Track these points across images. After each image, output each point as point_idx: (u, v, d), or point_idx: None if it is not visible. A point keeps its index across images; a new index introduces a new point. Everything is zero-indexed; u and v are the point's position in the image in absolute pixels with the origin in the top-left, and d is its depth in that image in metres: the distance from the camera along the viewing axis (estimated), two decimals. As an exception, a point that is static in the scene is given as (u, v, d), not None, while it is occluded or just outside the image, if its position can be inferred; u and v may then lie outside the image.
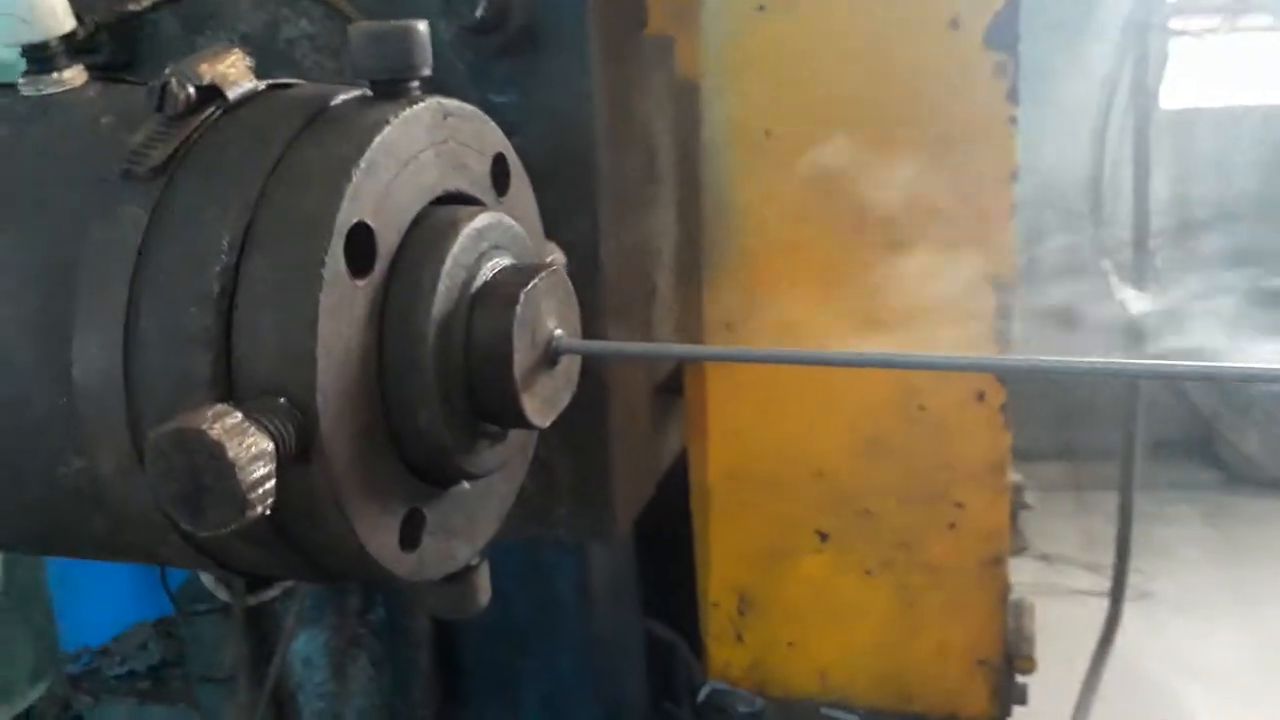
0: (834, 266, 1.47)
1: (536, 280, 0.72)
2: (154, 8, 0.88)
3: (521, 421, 0.72)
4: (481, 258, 0.73)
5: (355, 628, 1.46)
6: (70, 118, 0.74)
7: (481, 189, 0.80)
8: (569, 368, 0.78)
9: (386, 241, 0.68)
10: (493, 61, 1.07)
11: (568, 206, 1.10)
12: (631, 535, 1.61)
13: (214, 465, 0.55)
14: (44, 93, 0.76)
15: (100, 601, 1.93)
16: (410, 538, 0.73)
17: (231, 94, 0.70)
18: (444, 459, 0.72)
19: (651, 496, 1.48)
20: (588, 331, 1.15)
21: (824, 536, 1.60)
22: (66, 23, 0.76)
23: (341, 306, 0.64)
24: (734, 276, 1.50)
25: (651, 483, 1.34)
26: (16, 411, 0.68)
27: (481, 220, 0.74)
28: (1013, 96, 1.34)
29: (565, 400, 0.77)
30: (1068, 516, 4.45)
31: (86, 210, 0.67)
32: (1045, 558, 4.36)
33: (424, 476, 0.74)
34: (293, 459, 0.62)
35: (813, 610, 1.65)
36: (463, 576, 0.82)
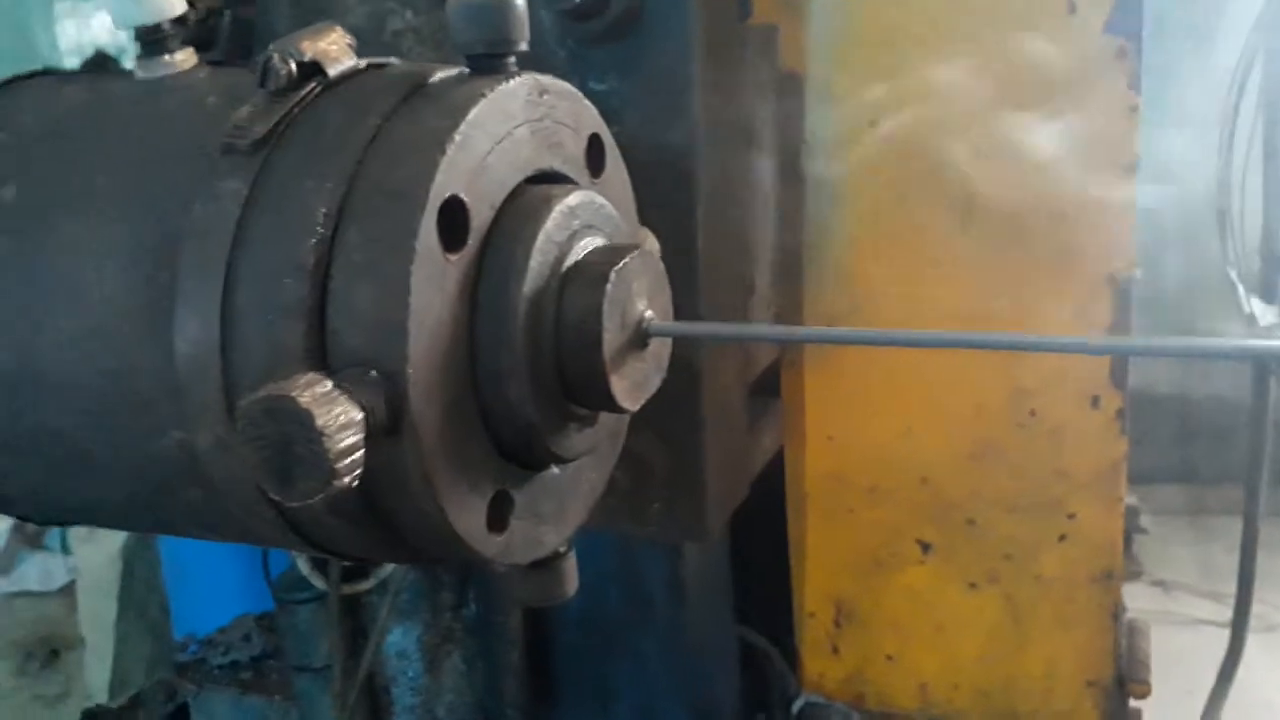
0: (941, 263, 1.41)
1: (628, 259, 0.70)
2: (264, -3, 0.90)
3: (610, 403, 0.71)
4: (573, 236, 0.72)
5: (449, 623, 1.46)
6: (179, 98, 0.76)
7: (576, 169, 0.79)
8: (659, 351, 0.76)
9: (480, 216, 0.67)
10: (593, 48, 1.07)
11: (665, 197, 1.08)
12: (726, 538, 1.58)
13: (303, 433, 0.55)
14: (156, 75, 0.78)
15: (210, 594, 1.99)
16: (498, 519, 0.72)
17: (332, 71, 0.71)
18: (533, 439, 0.71)
19: (746, 499, 1.45)
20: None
21: (926, 546, 1.54)
22: (177, 5, 0.78)
23: (433, 280, 0.63)
24: (836, 274, 1.47)
25: (745, 483, 1.31)
26: (122, 384, 0.70)
27: (575, 198, 0.72)
28: (1135, 84, 1.27)
29: (655, 384, 0.76)
30: (1186, 542, 4.23)
31: (191, 186, 0.68)
32: (1161, 584, 4.15)
33: (513, 458, 0.73)
34: (383, 431, 0.61)
35: (913, 622, 1.59)
36: (550, 564, 0.81)
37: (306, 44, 0.70)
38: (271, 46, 0.70)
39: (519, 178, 0.71)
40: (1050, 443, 1.43)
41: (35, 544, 4.11)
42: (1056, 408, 1.42)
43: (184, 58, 0.79)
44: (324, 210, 0.64)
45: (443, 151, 0.64)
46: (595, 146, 0.81)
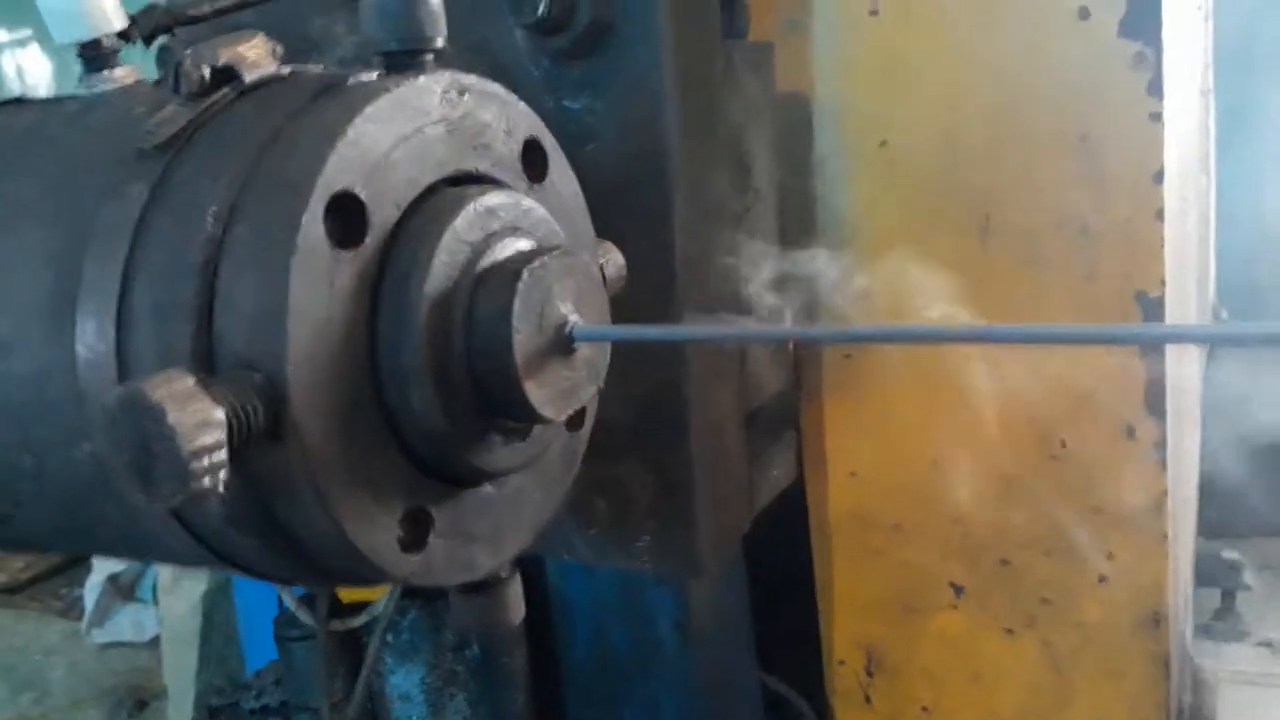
0: (961, 286, 1.34)
1: (545, 258, 0.67)
2: (220, 13, 0.90)
3: (528, 412, 0.67)
4: (492, 238, 0.69)
5: (452, 665, 1.42)
6: (109, 111, 0.76)
7: (509, 173, 0.76)
8: (591, 359, 0.72)
9: (382, 214, 0.65)
10: (565, 65, 1.04)
11: (641, 216, 1.05)
12: (742, 576, 1.51)
13: (157, 430, 0.52)
14: (95, 90, 0.78)
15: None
16: (414, 538, 0.68)
17: (249, 76, 0.70)
18: (448, 450, 0.67)
19: (770, 535, 1.38)
20: (668, 358, 1.09)
21: (959, 590, 1.45)
22: (116, 21, 0.78)
23: (320, 274, 0.60)
24: (850, 301, 1.41)
25: (745, 516, 1.24)
26: (34, 394, 0.68)
27: (494, 199, 0.69)
28: (1155, 90, 1.19)
29: (585, 395, 0.71)
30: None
31: (103, 191, 0.67)
32: (1269, 645, 3.88)
33: (433, 473, 0.69)
34: (266, 435, 0.59)
35: (949, 671, 1.49)
36: (490, 588, 0.77)
37: (222, 50, 0.69)
38: (186, 51, 0.69)
39: (432, 177, 0.68)
40: (1083, 477, 1.33)
41: (128, 596, 4.23)
42: (1088, 439, 1.32)
43: (124, 74, 0.79)
44: (215, 207, 0.62)
45: (332, 145, 0.61)
46: (533, 151, 0.78)
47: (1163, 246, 1.23)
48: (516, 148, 0.76)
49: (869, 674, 1.55)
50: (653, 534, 1.11)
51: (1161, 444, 1.28)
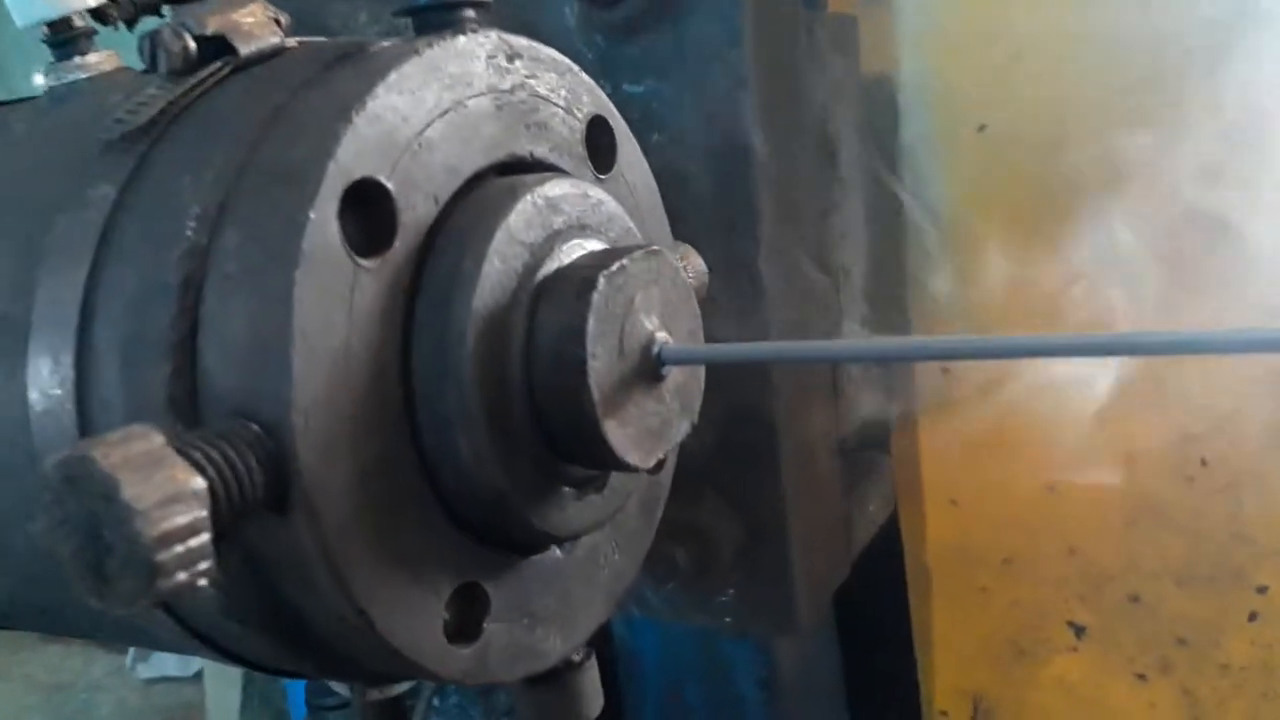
0: (1073, 286, 1.17)
1: (624, 261, 0.51)
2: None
3: (610, 458, 0.51)
4: (555, 238, 0.54)
5: (508, 728, 1.27)
6: (81, 101, 0.62)
7: (571, 159, 0.61)
8: (685, 387, 0.56)
9: (415, 210, 0.50)
10: (623, 42, 0.89)
11: (720, 214, 0.90)
12: (831, 624, 1.34)
13: (109, 510, 0.37)
14: (65, 80, 0.64)
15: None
16: (465, 624, 0.53)
17: (245, 48, 0.55)
18: (506, 511, 0.52)
19: (856, 572, 1.21)
20: (751, 375, 0.93)
21: (1080, 630, 1.27)
22: (88, -3, 0.64)
23: (335, 293, 0.46)
24: (947, 308, 1.24)
25: (845, 560, 1.08)
26: (-9, 451, 0.54)
27: (556, 188, 0.54)
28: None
29: (679, 432, 0.56)
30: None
31: (61, 196, 0.53)
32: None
33: (486, 539, 0.54)
34: (268, 504, 0.44)
35: (1068, 723, 1.31)
36: (559, 678, 0.61)
37: (211, 17, 0.55)
38: (167, 19, 0.55)
39: (479, 163, 0.54)
40: (1227, 499, 1.15)
41: (174, 629, 4.18)
42: (1233, 455, 1.14)
43: (100, 59, 0.65)
44: (199, 209, 0.47)
45: (348, 121, 0.47)
46: (599, 133, 0.63)
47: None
48: (579, 128, 0.61)
49: (975, 726, 1.38)
50: (739, 587, 0.95)
51: (1323, 457, 1.10)
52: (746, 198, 0.89)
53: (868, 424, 1.21)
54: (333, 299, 0.45)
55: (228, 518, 0.42)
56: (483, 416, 0.49)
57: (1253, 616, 1.18)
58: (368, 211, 0.48)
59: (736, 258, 0.89)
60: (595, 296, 0.49)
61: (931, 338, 0.94)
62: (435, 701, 1.22)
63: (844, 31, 1.09)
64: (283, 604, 0.49)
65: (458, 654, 0.52)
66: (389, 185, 0.48)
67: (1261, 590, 1.17)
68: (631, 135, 0.67)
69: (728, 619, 0.98)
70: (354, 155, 0.47)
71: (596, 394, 0.49)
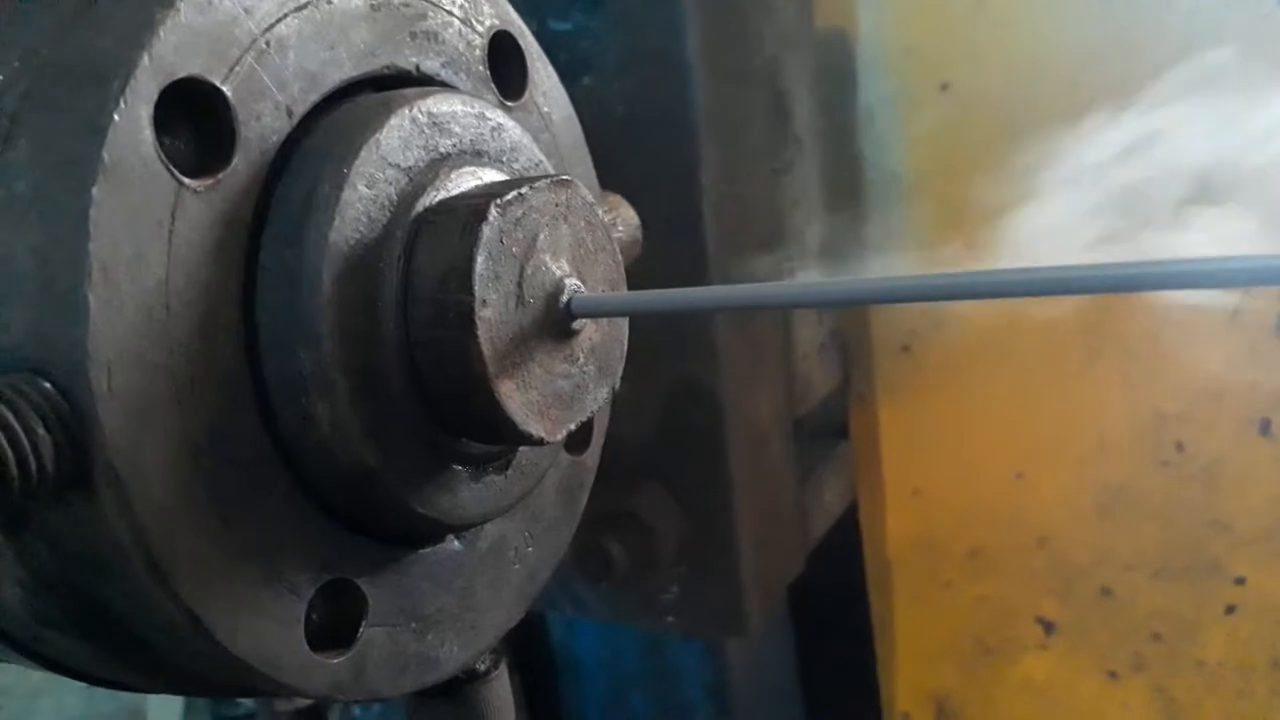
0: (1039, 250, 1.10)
1: (525, 190, 0.42)
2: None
3: (507, 429, 0.42)
4: (442, 164, 0.44)
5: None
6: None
7: (470, 79, 0.51)
8: (602, 346, 0.47)
9: (261, 123, 0.40)
10: (551, -21, 0.81)
11: (658, 163, 0.81)
12: (786, 623, 1.26)
13: None
14: None
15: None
16: (335, 629, 0.43)
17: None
18: (380, 495, 0.42)
19: (813, 572, 1.13)
20: (695, 351, 0.85)
21: (1049, 626, 1.21)
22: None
23: (150, 216, 0.36)
24: (909, 269, 1.17)
25: (799, 554, 1.00)
26: None
27: (442, 104, 0.45)
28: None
29: (596, 399, 0.47)
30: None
31: None
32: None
33: (361, 528, 0.44)
34: (64, 480, 0.34)
35: (1037, 724, 1.25)
36: (459, 690, 0.52)
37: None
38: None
39: (347, 73, 0.44)
40: (1204, 485, 1.09)
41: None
42: (1210, 438, 1.08)
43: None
44: (-19, 117, 0.37)
45: (168, 5, 0.37)
46: (505, 50, 0.54)
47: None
48: (480, 43, 0.52)
49: (939, 727, 1.31)
50: (683, 585, 0.87)
51: (1306, 441, 1.04)
52: (686, 146, 0.80)
53: (824, 406, 1.13)
54: (146, 226, 0.36)
55: (16, 496, 0.32)
56: (344, 378, 0.40)
57: (1230, 609, 1.12)
58: (197, 121, 0.38)
59: (677, 212, 0.80)
60: (485, 230, 0.40)
61: (879, 277, 0.86)
62: (356, 711, 1.12)
63: (796, -19, 1.00)
64: (100, 606, 0.39)
65: (326, 664, 0.43)
66: (225, 89, 0.39)
67: (1239, 582, 1.11)
68: (546, 59, 0.58)
69: (671, 619, 0.90)
70: (175, 48, 0.37)
71: (488, 350, 0.40)
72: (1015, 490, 1.17)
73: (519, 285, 0.42)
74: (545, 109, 0.57)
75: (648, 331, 0.83)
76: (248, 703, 1.04)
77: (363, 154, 0.41)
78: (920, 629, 1.27)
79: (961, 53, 1.08)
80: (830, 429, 1.18)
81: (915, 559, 1.25)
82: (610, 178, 0.68)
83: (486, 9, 0.53)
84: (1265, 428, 1.06)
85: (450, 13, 0.50)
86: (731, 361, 0.86)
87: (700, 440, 0.85)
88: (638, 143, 0.80)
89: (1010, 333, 1.10)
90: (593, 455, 0.62)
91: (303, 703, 0.96)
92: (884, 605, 1.28)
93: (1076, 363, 1.10)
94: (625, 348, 0.50)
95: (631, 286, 0.64)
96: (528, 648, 1.24)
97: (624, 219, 0.66)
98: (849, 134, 1.10)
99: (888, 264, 1.16)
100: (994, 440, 1.16)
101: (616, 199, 0.67)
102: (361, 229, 0.41)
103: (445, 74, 0.50)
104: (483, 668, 0.53)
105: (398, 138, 0.43)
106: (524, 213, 0.43)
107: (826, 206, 1.08)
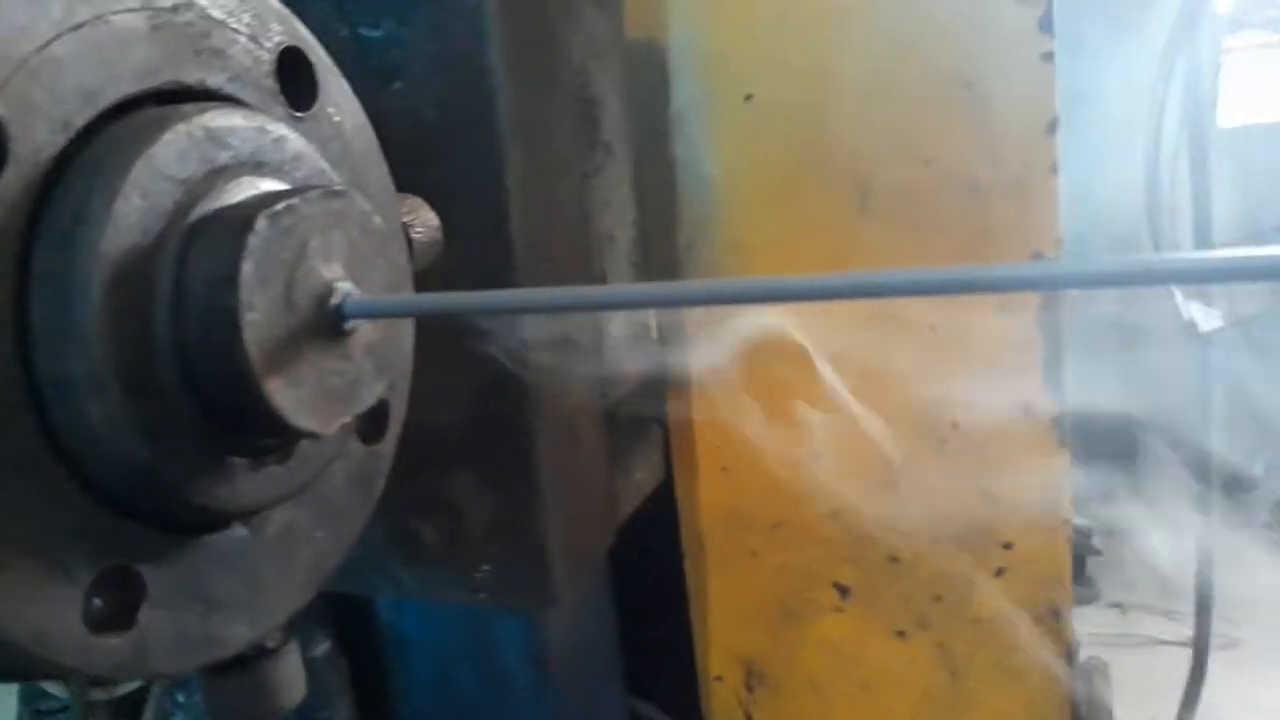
0: (838, 253, 1.20)
1: (295, 200, 0.46)
2: None
3: (278, 423, 0.46)
4: (219, 175, 0.48)
5: None
6: None
7: (258, 94, 0.54)
8: (376, 345, 0.51)
9: (34, 138, 0.43)
10: (359, -16, 0.83)
11: (465, 170, 0.85)
12: (607, 595, 1.33)
13: None
14: None
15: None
16: (113, 612, 0.46)
17: None
18: (157, 487, 0.46)
19: (637, 544, 1.20)
20: (505, 344, 0.89)
21: (844, 591, 1.31)
22: None
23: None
24: (717, 271, 1.24)
25: (607, 531, 1.06)
26: None
27: (220, 119, 0.48)
28: (1046, 26, 1.07)
29: (368, 395, 0.51)
30: (1140, 562, 4.08)
31: None
32: (1119, 606, 3.99)
33: (142, 517, 0.47)
34: None
35: (836, 681, 1.35)
36: (250, 666, 0.56)
37: None
38: None
39: (127, 90, 0.47)
40: (976, 460, 1.20)
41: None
42: (982, 419, 1.20)
43: None
44: None
45: (-71, 23, 0.39)
46: (294, 66, 0.57)
47: (1058, 202, 1.10)
48: (268, 59, 0.55)
49: (749, 689, 1.40)
50: (494, 562, 0.92)
51: (1060, 421, 1.17)
52: (493, 152, 0.84)
53: (639, 392, 1.20)
54: (-92, 235, 0.38)
55: None
56: (116, 379, 0.43)
57: (1000, 572, 1.25)
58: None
59: (484, 215, 0.84)
60: (252, 239, 0.44)
61: (676, 283, 0.92)
62: (180, 698, 1.12)
63: (605, -10, 1.06)
64: None
65: (105, 645, 0.46)
66: (-4, 106, 0.41)
67: (1008, 546, 1.24)
68: (338, 71, 0.61)
69: (484, 596, 0.94)
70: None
71: (255, 350, 0.44)
72: (811, 468, 1.26)
73: (288, 289, 0.46)
74: (337, 118, 0.61)
75: (459, 327, 0.88)
76: (63, 695, 1.03)
77: (137, 166, 0.44)
78: (730, 596, 1.35)
79: (764, 65, 1.15)
80: (645, 413, 1.25)
81: (725, 532, 1.33)
82: (422, 181, 0.72)
83: (275, 26, 0.56)
84: (1027, 409, 1.18)
85: (237, 30, 0.53)
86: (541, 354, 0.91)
87: (509, 429, 0.90)
88: (447, 147, 0.83)
89: (814, 324, 1.20)
90: (388, 445, 0.66)
91: (120, 691, 0.96)
92: (698, 575, 1.36)
93: (865, 353, 1.19)
94: (408, 346, 0.55)
95: (440, 286, 0.69)
96: (357, 629, 1.27)
97: (423, 220, 0.70)
98: (662, 140, 1.17)
99: (699, 257, 1.23)
100: (792, 423, 1.25)
101: (416, 201, 0.70)
102: (135, 237, 0.44)
103: (231, 88, 0.52)
104: (272, 645, 0.57)
105: (173, 151, 0.46)
106: (294, 222, 0.46)
107: (639, 208, 1.14)
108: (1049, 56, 1.06)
